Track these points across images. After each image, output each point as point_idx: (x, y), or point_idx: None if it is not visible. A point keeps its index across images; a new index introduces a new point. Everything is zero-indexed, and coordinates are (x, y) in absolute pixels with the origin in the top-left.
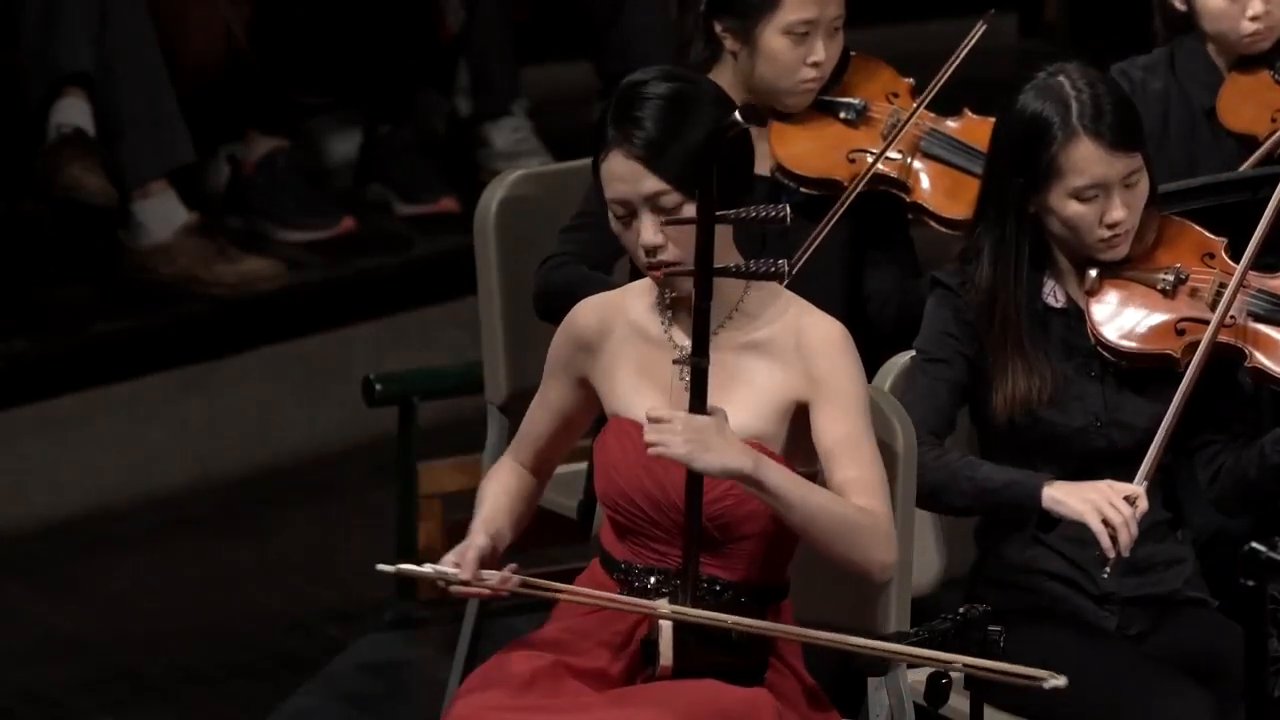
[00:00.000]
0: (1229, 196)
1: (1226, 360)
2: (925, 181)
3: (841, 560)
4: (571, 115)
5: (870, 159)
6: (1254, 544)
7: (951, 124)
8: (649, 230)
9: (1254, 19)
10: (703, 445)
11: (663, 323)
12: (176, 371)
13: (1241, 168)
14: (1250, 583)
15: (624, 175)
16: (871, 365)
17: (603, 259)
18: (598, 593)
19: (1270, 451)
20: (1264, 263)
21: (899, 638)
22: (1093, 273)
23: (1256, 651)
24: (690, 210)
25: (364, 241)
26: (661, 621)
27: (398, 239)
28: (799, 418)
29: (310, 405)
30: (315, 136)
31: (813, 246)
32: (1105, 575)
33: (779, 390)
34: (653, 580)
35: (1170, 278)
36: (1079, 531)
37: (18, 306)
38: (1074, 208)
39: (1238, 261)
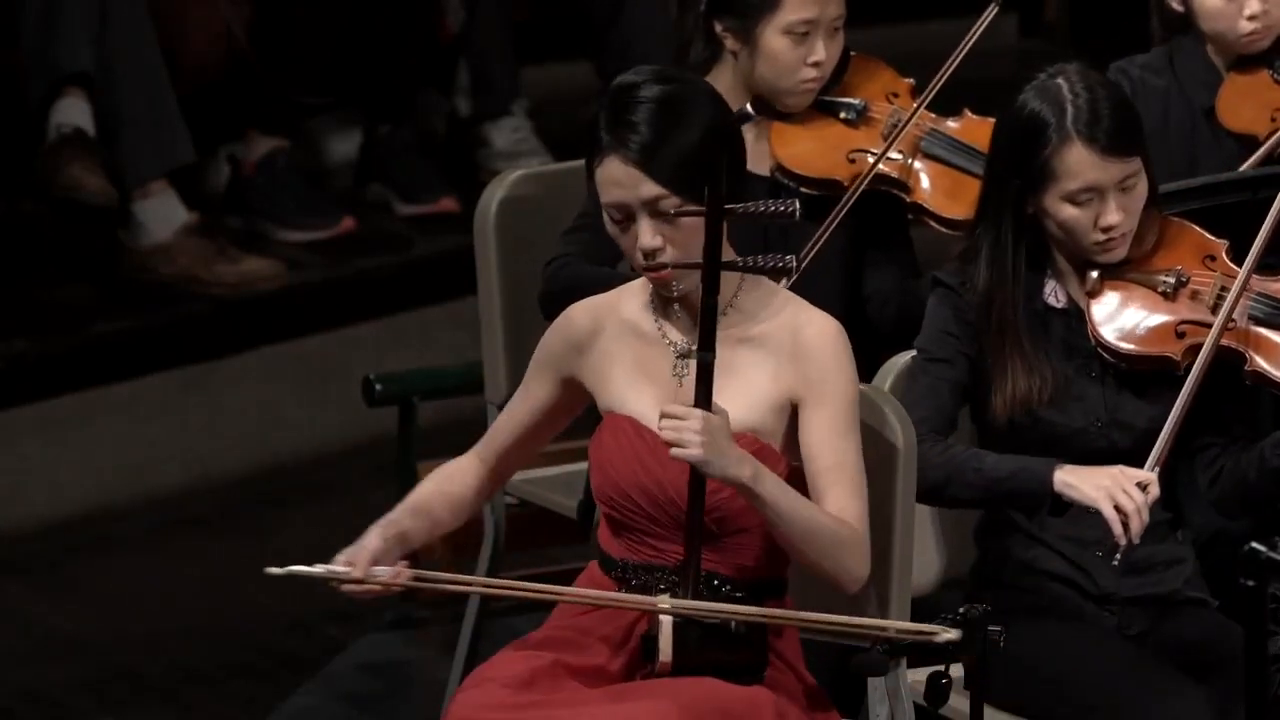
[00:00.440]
0: (1229, 197)
1: (1226, 363)
2: (925, 182)
3: (815, 568)
4: (571, 115)
5: (870, 159)
6: (1254, 544)
7: (952, 124)
8: (647, 234)
9: (1251, 18)
10: (717, 449)
11: (656, 321)
12: (176, 371)
13: (1242, 168)
14: (1250, 583)
15: (621, 180)
16: (872, 366)
17: (606, 259)
18: (594, 592)
19: (1270, 455)
20: (1264, 265)
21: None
22: (1094, 274)
23: (1256, 651)
24: None
25: (364, 241)
26: (661, 617)
27: (398, 239)
28: (792, 414)
29: (310, 405)
30: (315, 136)
31: (817, 246)
32: (1115, 562)
33: (774, 386)
34: (651, 577)
35: (1171, 280)
36: (1079, 531)
37: (18, 306)
38: (1068, 211)
39: (1238, 264)
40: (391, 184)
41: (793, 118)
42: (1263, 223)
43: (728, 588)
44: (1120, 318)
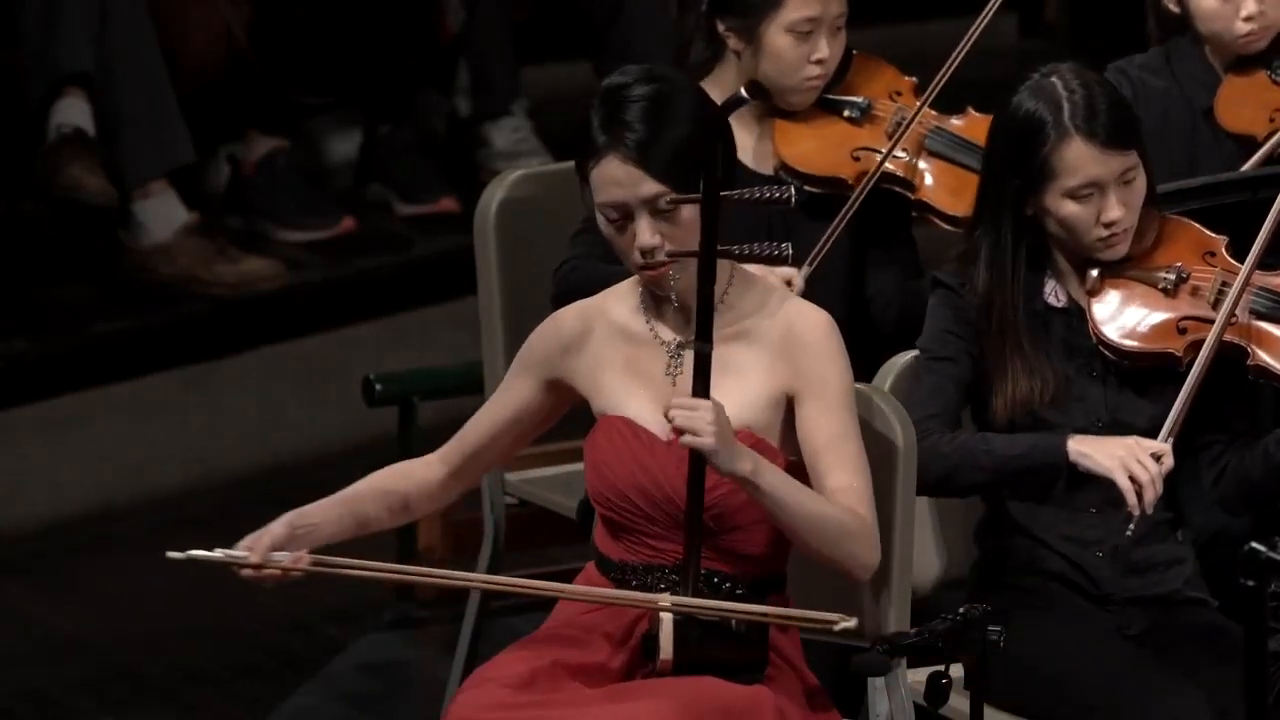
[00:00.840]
0: (1229, 196)
1: (1228, 358)
2: (930, 179)
3: (824, 559)
4: (571, 115)
5: (875, 157)
6: (1254, 544)
7: (955, 121)
8: (646, 232)
9: (1248, 19)
10: (726, 441)
11: (648, 322)
12: (176, 371)
13: (1242, 168)
14: (1250, 583)
15: (620, 179)
16: (873, 366)
17: (615, 258)
18: (599, 589)
19: (1274, 451)
20: (1264, 264)
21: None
22: (1094, 272)
23: (1256, 651)
24: (686, 208)
25: (364, 241)
26: (662, 615)
27: (398, 239)
28: (788, 409)
29: (310, 405)
30: (315, 136)
31: (826, 247)
32: (1129, 533)
33: (769, 381)
34: (650, 577)
35: (1171, 276)
36: (1079, 531)
37: (18, 306)
38: (1070, 208)
39: (1238, 259)
40: (391, 184)
41: (796, 116)
42: (1263, 223)
43: (728, 585)
44: (1121, 315)
